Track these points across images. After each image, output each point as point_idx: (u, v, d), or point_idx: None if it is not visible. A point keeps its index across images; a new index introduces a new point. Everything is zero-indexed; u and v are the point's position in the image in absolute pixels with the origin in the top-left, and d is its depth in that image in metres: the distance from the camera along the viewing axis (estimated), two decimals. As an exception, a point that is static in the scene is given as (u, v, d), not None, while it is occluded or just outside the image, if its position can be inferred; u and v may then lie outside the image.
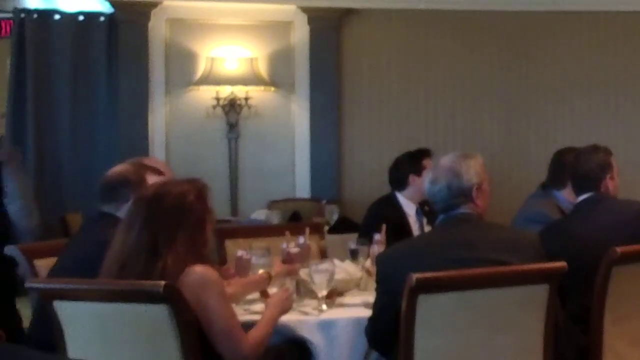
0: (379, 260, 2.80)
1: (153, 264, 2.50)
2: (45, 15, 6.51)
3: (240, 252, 3.44)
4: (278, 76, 6.77)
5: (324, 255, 4.17)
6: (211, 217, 2.69)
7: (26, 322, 3.47)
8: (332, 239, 4.63)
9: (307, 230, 3.93)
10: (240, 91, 6.60)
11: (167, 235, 2.54)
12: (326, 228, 4.98)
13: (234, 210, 6.64)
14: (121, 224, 2.65)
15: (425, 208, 4.33)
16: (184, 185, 2.67)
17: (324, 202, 6.41)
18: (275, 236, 4.05)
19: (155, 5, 6.59)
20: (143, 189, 2.79)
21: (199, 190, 2.66)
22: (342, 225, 5.45)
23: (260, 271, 3.29)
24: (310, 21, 6.76)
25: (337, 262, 3.34)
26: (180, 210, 2.58)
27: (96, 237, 2.82)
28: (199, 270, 2.53)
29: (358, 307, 3.07)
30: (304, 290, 3.23)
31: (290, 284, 3.29)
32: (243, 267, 3.38)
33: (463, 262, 2.59)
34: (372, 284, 2.94)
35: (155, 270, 2.49)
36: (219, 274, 2.63)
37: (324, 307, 3.00)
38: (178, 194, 2.61)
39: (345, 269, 3.36)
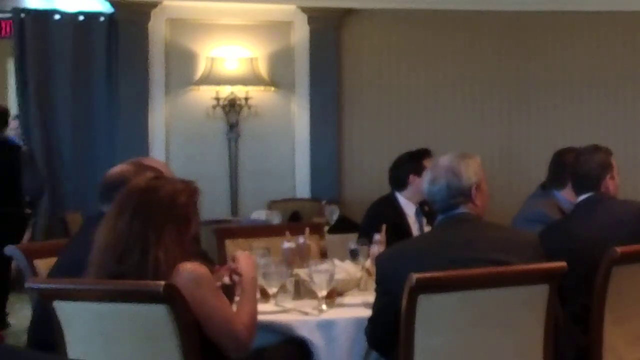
0: (379, 261, 2.80)
1: (145, 260, 2.51)
2: (45, 15, 6.51)
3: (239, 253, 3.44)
4: (278, 76, 6.77)
5: (324, 255, 4.17)
6: (196, 220, 2.71)
7: (26, 322, 3.47)
8: (332, 239, 4.62)
9: (307, 230, 3.93)
10: (240, 91, 6.60)
11: (157, 227, 2.55)
12: (326, 228, 4.97)
13: (234, 210, 6.64)
14: (110, 210, 2.65)
15: (425, 208, 4.32)
16: (178, 184, 2.68)
17: (324, 202, 6.40)
18: (275, 236, 4.05)
19: (155, 5, 6.59)
20: (135, 179, 2.79)
21: (191, 192, 2.67)
22: (342, 225, 5.44)
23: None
24: (310, 21, 6.76)
25: (337, 262, 3.34)
26: (171, 206, 2.59)
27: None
28: (189, 268, 2.54)
29: (358, 307, 3.07)
30: (304, 290, 3.23)
31: (290, 284, 3.30)
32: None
33: (462, 262, 2.59)
34: (372, 284, 2.94)
35: (148, 266, 2.50)
36: (207, 269, 2.64)
37: (324, 307, 3.00)
38: (171, 190, 2.62)
39: (345, 269, 3.36)
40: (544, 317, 2.64)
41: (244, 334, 2.61)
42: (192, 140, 6.69)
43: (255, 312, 2.74)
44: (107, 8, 6.59)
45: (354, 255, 3.67)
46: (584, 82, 7.01)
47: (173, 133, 6.69)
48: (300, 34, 6.81)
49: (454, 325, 2.56)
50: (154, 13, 6.62)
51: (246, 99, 6.61)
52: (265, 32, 6.77)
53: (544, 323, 2.64)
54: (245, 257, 2.92)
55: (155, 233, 2.54)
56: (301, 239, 3.77)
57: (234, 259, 2.90)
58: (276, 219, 5.59)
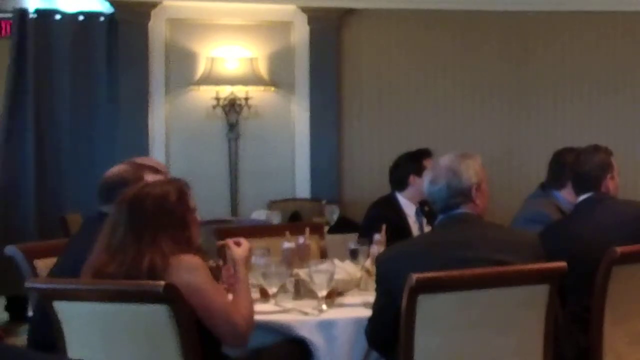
0: (379, 261, 2.80)
1: (139, 263, 2.51)
2: (46, 15, 6.51)
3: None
4: (278, 76, 6.76)
5: (324, 255, 4.17)
6: (194, 216, 2.70)
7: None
8: (332, 239, 4.63)
9: (307, 230, 3.93)
10: (240, 91, 6.60)
11: (151, 235, 2.55)
12: (326, 228, 4.97)
13: (234, 210, 6.64)
14: (104, 226, 2.66)
15: (425, 208, 4.33)
16: (164, 186, 2.67)
17: (324, 202, 6.40)
18: (275, 236, 4.05)
19: (155, 5, 6.59)
20: (124, 191, 2.78)
21: (180, 190, 2.67)
22: (342, 225, 5.44)
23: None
24: (310, 21, 6.76)
25: (337, 262, 3.35)
26: (162, 211, 2.59)
27: (96, 237, 2.82)
28: (182, 258, 2.55)
29: (358, 307, 3.07)
30: (304, 290, 3.23)
31: (289, 284, 3.30)
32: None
33: (463, 262, 2.59)
34: (372, 284, 2.95)
35: (142, 268, 2.50)
36: (202, 260, 2.64)
37: (324, 307, 3.01)
38: (158, 195, 2.61)
39: (345, 269, 3.36)
40: (544, 317, 2.64)
41: (243, 325, 2.63)
42: (192, 140, 6.68)
43: (251, 304, 2.76)
44: (107, 8, 6.59)
45: (354, 255, 3.67)
46: (584, 82, 7.01)
47: (173, 133, 6.69)
48: (300, 34, 6.80)
49: (454, 325, 2.56)
50: (154, 13, 6.62)
51: (246, 99, 6.61)
52: (265, 32, 6.77)
53: (544, 323, 2.64)
54: (243, 255, 2.93)
55: (150, 243, 2.54)
56: (301, 239, 3.77)
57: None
58: (276, 219, 5.59)
